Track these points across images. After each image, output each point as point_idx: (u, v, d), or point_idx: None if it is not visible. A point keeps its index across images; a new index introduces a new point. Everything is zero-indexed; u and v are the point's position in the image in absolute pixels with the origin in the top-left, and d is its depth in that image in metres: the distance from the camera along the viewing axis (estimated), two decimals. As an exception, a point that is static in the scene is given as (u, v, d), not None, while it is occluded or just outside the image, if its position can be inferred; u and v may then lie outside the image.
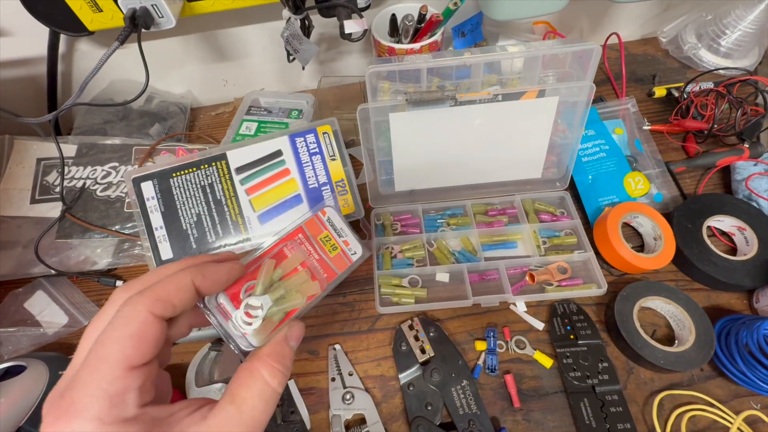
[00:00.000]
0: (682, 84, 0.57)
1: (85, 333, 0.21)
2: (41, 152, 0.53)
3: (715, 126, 0.51)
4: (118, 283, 0.49)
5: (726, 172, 0.52)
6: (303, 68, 0.52)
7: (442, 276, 0.46)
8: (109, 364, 0.18)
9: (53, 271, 0.48)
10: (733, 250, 0.46)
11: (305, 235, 0.32)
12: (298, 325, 0.25)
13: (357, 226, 0.45)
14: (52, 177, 0.52)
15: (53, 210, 0.50)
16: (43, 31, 0.49)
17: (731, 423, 0.36)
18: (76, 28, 0.47)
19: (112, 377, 0.18)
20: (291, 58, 0.50)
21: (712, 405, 0.37)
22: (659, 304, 0.42)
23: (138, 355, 0.19)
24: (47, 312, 0.47)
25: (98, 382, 0.18)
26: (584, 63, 0.42)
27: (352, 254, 0.32)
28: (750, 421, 0.36)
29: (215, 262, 0.24)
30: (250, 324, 0.24)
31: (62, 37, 0.53)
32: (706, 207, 0.46)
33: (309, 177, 0.48)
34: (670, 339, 0.41)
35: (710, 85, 0.56)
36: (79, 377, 0.18)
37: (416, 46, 0.50)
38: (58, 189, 0.51)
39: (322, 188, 0.48)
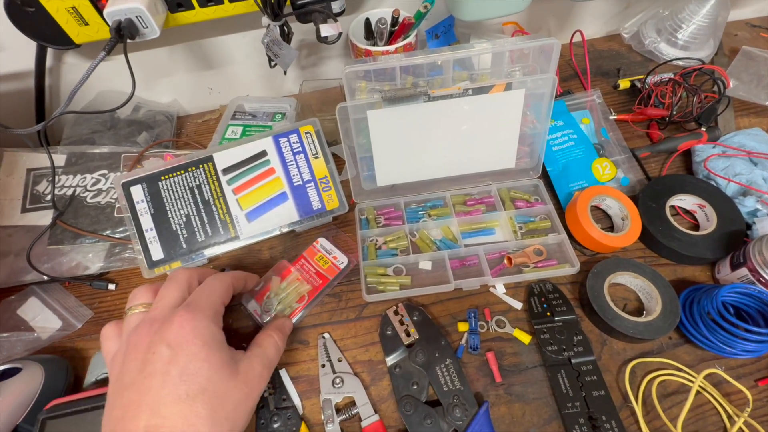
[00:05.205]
0: (644, 76, 0.60)
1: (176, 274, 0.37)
2: (31, 163, 0.54)
3: (674, 113, 0.54)
4: (111, 286, 0.50)
5: (687, 155, 0.55)
6: (285, 73, 0.55)
7: (425, 264, 0.49)
8: (216, 296, 0.35)
9: (46, 278, 0.49)
10: (696, 227, 0.49)
11: (305, 258, 0.48)
12: (291, 321, 0.43)
13: (346, 246, 0.50)
14: (42, 186, 0.53)
15: (44, 218, 0.52)
16: (30, 46, 0.51)
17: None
18: (62, 41, 0.49)
19: (216, 303, 0.35)
20: (272, 63, 0.53)
21: (680, 369, 0.39)
22: (628, 279, 0.44)
23: (227, 298, 0.37)
24: (40, 318, 0.48)
25: (211, 302, 0.34)
26: (547, 57, 0.45)
27: (340, 264, 0.48)
28: (715, 382, 0.39)
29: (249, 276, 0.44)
30: (268, 312, 0.44)
31: (49, 51, 0.54)
32: (668, 187, 0.49)
33: (293, 175, 0.50)
34: (639, 311, 0.44)
35: (670, 75, 0.60)
36: (198, 300, 0.34)
37: (391, 47, 0.53)
38: (48, 198, 0.52)
39: (307, 185, 0.50)
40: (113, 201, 0.53)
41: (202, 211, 0.48)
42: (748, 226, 0.46)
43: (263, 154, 0.50)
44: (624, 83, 0.62)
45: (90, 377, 0.42)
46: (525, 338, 0.42)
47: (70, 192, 0.53)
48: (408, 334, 0.42)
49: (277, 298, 0.45)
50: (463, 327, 0.43)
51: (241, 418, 0.31)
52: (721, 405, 0.38)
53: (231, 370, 0.31)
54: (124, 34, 0.44)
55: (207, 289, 0.35)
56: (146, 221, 0.47)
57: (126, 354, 0.31)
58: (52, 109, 0.60)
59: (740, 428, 0.36)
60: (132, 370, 0.30)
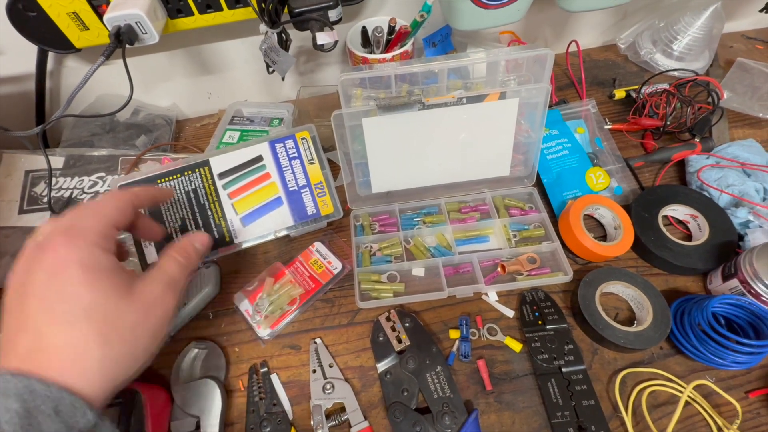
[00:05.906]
0: (639, 86, 0.61)
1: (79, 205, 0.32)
2: (29, 164, 0.55)
3: (668, 123, 0.55)
4: (105, 288, 0.50)
5: (681, 165, 0.55)
6: (282, 79, 0.55)
7: (418, 270, 0.49)
8: (104, 217, 0.31)
9: (41, 279, 0.49)
10: (688, 237, 0.49)
11: (300, 262, 0.49)
12: (203, 234, 0.38)
13: (341, 252, 0.51)
14: (40, 188, 0.54)
15: (41, 220, 0.52)
16: (31, 49, 0.51)
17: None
18: (63, 45, 0.50)
19: (104, 225, 0.30)
20: (270, 69, 0.53)
21: (670, 380, 0.39)
22: (620, 289, 0.45)
23: (121, 218, 0.32)
24: (35, 319, 0.48)
25: (96, 224, 0.30)
26: (541, 67, 0.45)
27: (334, 269, 0.48)
28: (705, 393, 0.39)
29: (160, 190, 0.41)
30: (259, 313, 0.45)
31: (50, 55, 0.55)
32: (661, 197, 0.50)
33: (289, 180, 0.50)
34: (631, 321, 0.44)
35: (665, 86, 0.60)
36: (82, 221, 0.30)
37: (388, 55, 0.53)
38: (46, 199, 0.53)
39: (302, 191, 0.50)
40: (110, 203, 0.53)
41: (197, 214, 0.48)
42: (740, 237, 0.46)
43: (259, 159, 0.50)
44: (619, 93, 0.63)
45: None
46: (516, 346, 0.42)
47: (67, 194, 0.53)
48: (399, 341, 0.42)
49: (269, 299, 0.46)
50: (454, 334, 0.44)
51: (141, 339, 0.29)
52: (710, 417, 0.37)
53: (122, 293, 0.29)
54: (123, 40, 0.44)
55: (91, 209, 0.31)
56: (142, 224, 0.47)
57: (10, 278, 0.29)
58: (52, 111, 0.61)
59: (730, 440, 0.36)
60: (11, 295, 0.28)
